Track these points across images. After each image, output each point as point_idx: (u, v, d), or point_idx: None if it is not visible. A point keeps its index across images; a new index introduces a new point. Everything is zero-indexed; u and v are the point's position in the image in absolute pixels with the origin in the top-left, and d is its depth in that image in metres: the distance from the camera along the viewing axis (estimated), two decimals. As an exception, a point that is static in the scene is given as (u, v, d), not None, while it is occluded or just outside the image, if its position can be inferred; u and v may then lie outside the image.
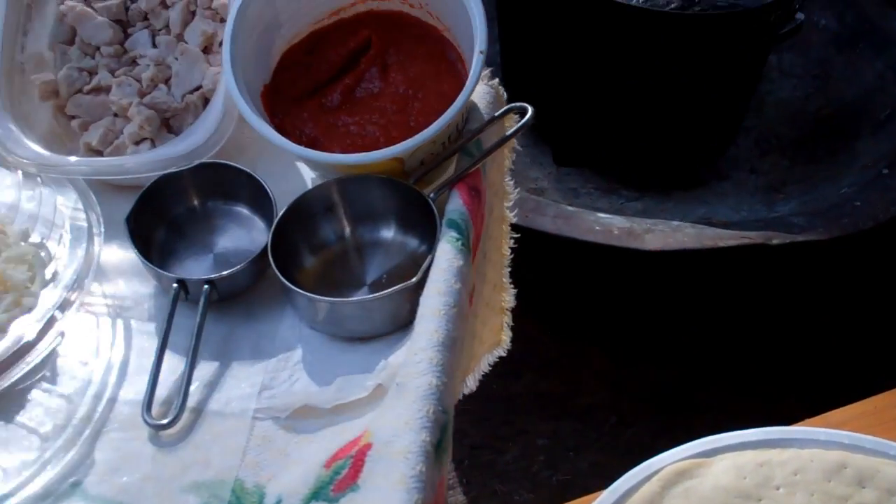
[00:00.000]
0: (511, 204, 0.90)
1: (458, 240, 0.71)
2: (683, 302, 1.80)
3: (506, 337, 1.02)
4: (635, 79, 1.68)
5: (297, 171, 0.86)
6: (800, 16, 1.65)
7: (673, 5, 1.61)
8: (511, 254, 0.93)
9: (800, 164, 1.89)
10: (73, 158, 0.79)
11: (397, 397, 0.62)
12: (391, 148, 0.73)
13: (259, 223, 0.80)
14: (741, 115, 1.84)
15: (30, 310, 0.72)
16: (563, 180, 1.89)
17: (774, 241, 1.56)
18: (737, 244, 1.56)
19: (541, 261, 1.64)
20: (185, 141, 0.77)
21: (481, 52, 0.74)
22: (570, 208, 1.64)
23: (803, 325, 1.76)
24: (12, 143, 0.79)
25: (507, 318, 1.00)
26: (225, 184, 0.79)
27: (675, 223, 1.64)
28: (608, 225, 1.61)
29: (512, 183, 0.90)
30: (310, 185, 0.85)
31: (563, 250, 1.66)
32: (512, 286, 0.95)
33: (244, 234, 0.79)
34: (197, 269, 0.78)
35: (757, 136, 1.95)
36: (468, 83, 0.74)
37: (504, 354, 1.02)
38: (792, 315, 1.77)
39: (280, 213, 0.76)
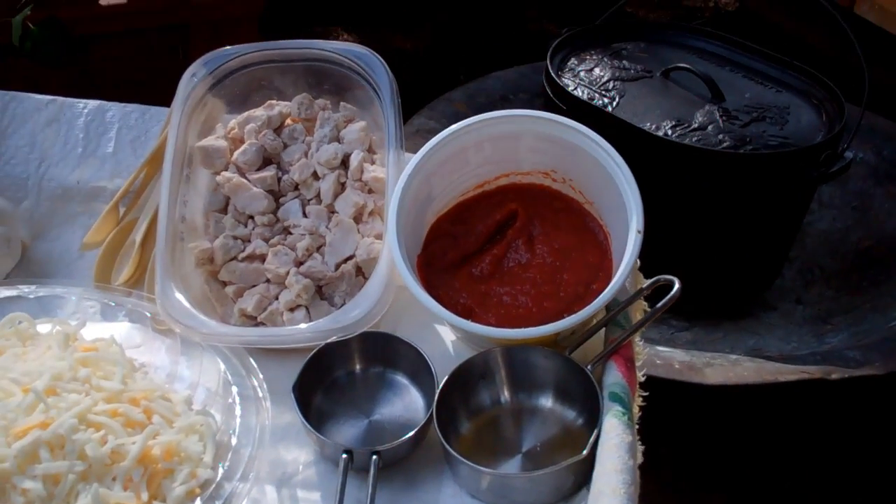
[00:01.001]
0: (640, 363, 0.92)
1: (623, 414, 0.74)
2: (741, 434, 1.81)
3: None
4: (686, 212, 1.74)
5: (435, 332, 0.90)
6: (848, 154, 1.72)
7: (725, 144, 1.68)
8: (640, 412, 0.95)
9: (845, 295, 1.93)
10: (241, 328, 0.82)
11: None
12: (551, 325, 0.77)
13: (414, 390, 0.82)
14: (788, 249, 1.90)
15: (206, 482, 0.73)
16: (612, 309, 1.92)
17: (833, 376, 1.59)
18: (797, 379, 1.59)
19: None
20: (352, 311, 0.81)
21: (639, 232, 0.78)
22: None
23: (862, 458, 1.77)
24: (178, 311, 0.82)
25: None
26: (386, 352, 0.82)
27: (734, 357, 1.67)
28: (668, 359, 1.63)
29: (642, 343, 0.92)
30: (449, 347, 0.89)
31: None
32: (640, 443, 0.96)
33: (399, 402, 0.82)
34: (354, 434, 0.80)
35: (800, 267, 2.01)
36: (625, 263, 0.78)
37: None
38: (850, 447, 1.79)
39: (442, 383, 0.78)
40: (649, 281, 0.83)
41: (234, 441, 0.77)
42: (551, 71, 1.78)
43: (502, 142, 0.86)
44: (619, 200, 0.82)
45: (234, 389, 0.80)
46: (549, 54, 1.82)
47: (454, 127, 0.85)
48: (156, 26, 1.92)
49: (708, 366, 1.63)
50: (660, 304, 0.81)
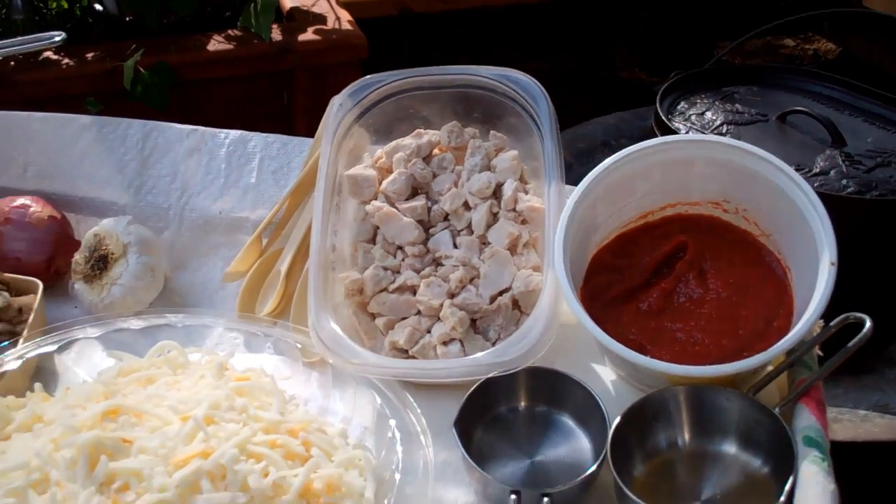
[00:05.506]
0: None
1: (823, 460, 0.68)
2: (870, 494, 1.70)
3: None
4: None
5: (593, 371, 0.84)
6: (981, 199, 1.62)
7: (850, 189, 1.60)
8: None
9: (974, 349, 1.82)
10: (399, 360, 0.79)
11: None
12: (744, 361, 0.71)
13: (580, 431, 0.77)
14: (913, 300, 1.80)
15: (370, 522, 0.69)
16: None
17: (972, 435, 1.49)
18: (932, 437, 1.50)
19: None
20: (514, 346, 0.76)
21: (833, 264, 0.72)
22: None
23: None
24: (333, 342, 0.79)
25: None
26: (551, 390, 0.77)
27: (862, 412, 1.58)
28: (793, 412, 1.55)
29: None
30: (609, 387, 0.83)
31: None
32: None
33: (565, 442, 0.77)
34: (518, 475, 0.75)
35: (923, 319, 1.90)
36: (820, 297, 0.73)
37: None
38: None
39: (616, 422, 0.73)
40: (838, 318, 0.77)
41: (397, 477, 0.72)
42: (661, 114, 1.73)
43: (672, 168, 0.82)
44: (803, 230, 0.76)
45: (393, 423, 0.76)
46: (658, 98, 1.78)
47: (622, 152, 0.81)
48: (262, 72, 1.93)
49: (836, 421, 1.54)
50: (851, 344, 0.76)
